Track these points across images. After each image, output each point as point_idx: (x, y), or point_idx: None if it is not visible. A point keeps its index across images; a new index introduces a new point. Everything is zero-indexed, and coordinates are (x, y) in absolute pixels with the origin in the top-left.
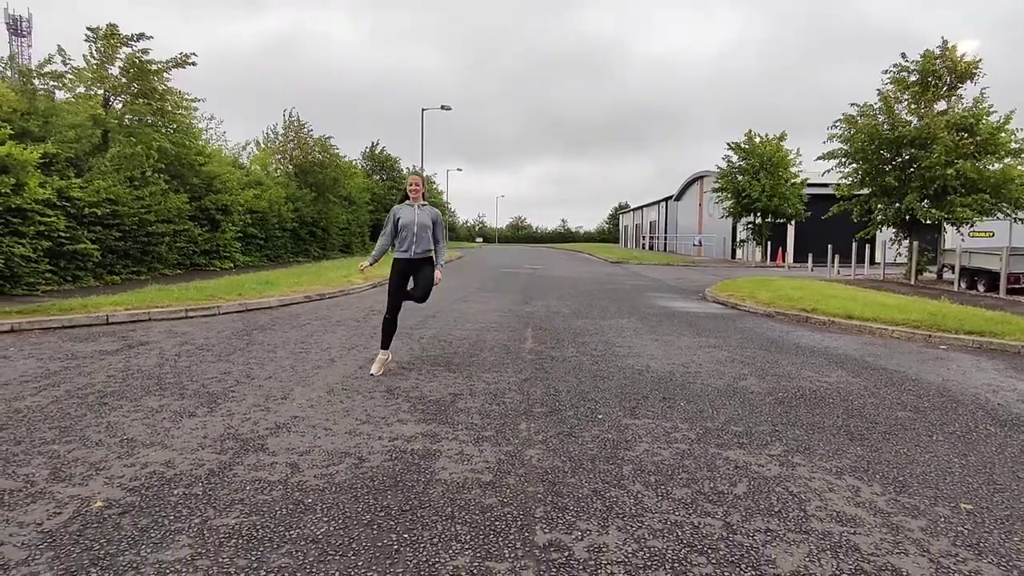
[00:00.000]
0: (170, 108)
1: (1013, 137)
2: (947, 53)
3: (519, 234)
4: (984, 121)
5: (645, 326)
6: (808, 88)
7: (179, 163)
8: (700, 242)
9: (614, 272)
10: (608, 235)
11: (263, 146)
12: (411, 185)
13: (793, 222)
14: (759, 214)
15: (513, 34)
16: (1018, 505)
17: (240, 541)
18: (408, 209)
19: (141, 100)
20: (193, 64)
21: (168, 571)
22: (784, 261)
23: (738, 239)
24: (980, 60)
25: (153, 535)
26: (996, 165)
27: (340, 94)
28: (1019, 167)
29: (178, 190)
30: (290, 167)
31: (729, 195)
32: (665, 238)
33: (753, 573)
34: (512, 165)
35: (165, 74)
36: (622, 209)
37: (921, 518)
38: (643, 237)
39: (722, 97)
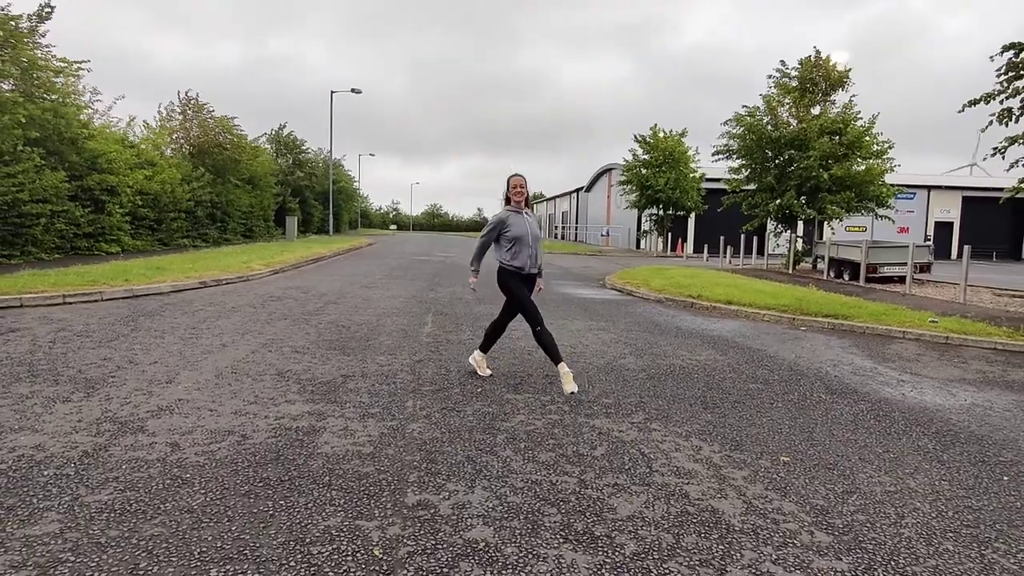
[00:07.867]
0: (42, 74)
1: (875, 140)
2: (822, 63)
3: (435, 222)
4: (852, 125)
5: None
6: (686, 111)
7: (58, 138)
8: (608, 232)
9: None
10: None
11: (155, 127)
12: (514, 188)
13: (693, 214)
14: (662, 206)
15: (455, 64)
16: (826, 456)
17: (112, 515)
18: (518, 218)
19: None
20: (51, 8)
21: (36, 544)
22: (683, 251)
23: (642, 230)
24: (850, 70)
25: (20, 513)
26: (860, 166)
27: (295, 105)
28: (879, 166)
29: (56, 168)
30: (187, 148)
31: (634, 187)
32: (576, 228)
33: (596, 519)
34: (436, 161)
35: (35, 34)
36: (536, 199)
37: (746, 469)
38: (555, 227)
39: (624, 112)
